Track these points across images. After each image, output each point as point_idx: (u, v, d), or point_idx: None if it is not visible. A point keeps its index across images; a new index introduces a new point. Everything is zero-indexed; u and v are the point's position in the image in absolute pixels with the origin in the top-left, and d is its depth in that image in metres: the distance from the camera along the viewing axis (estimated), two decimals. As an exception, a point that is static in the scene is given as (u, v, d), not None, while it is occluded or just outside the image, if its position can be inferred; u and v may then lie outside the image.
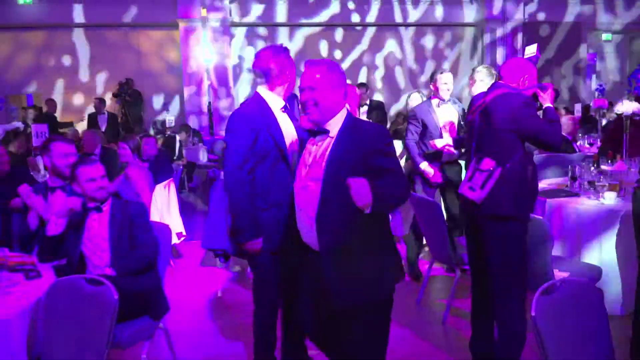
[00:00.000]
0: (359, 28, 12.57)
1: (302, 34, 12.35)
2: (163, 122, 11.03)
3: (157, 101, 12.00)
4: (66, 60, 11.54)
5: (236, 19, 11.83)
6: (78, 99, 11.65)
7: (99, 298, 2.05)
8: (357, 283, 2.16)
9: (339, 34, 12.53)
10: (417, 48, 12.88)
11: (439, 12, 12.55)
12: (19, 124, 8.64)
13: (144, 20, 11.48)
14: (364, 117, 6.54)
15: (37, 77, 11.41)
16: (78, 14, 11.18)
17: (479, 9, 12.65)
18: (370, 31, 12.66)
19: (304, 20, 12.14)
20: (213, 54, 11.47)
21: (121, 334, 2.55)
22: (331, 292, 2.16)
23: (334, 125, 2.25)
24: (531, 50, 3.53)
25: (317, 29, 12.37)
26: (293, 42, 12.09)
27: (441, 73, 4.24)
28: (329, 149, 2.21)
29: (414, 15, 12.50)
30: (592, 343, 1.78)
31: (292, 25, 12.25)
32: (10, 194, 3.81)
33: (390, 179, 2.15)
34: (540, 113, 2.90)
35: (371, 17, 12.35)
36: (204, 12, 11.30)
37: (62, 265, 2.86)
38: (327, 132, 2.24)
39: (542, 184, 4.15)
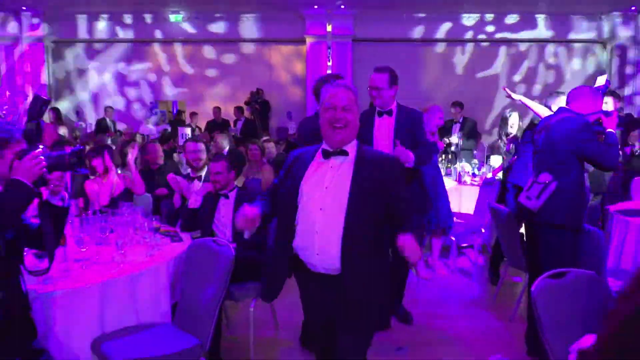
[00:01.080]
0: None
1: (411, 49, 12.83)
2: (286, 130, 12.14)
3: (283, 110, 13.11)
4: (209, 71, 13.05)
5: (359, 34, 12.60)
6: (215, 105, 13.15)
7: (221, 254, 2.84)
8: (377, 305, 2.29)
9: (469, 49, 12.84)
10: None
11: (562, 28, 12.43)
12: (166, 126, 10.09)
13: (274, 36, 12.70)
14: (455, 135, 7.02)
15: (183, 85, 13.04)
16: (217, 28, 12.63)
17: (607, 26, 12.34)
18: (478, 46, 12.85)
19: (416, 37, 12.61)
20: (333, 68, 12.35)
21: (235, 290, 3.36)
22: (353, 313, 2.23)
23: (351, 148, 2.29)
24: (601, 80, 3.84)
25: (430, 44, 12.80)
26: (409, 58, 12.61)
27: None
28: (350, 173, 2.23)
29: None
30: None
31: (405, 41, 12.74)
32: (162, 182, 4.89)
33: (412, 212, 2.23)
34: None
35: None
36: (329, 27, 12.24)
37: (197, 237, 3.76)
38: (346, 154, 2.26)
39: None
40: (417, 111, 3.86)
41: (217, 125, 10.80)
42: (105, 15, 12.16)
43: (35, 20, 11.96)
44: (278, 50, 13.01)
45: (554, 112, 3.42)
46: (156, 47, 12.90)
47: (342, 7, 11.54)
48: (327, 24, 12.21)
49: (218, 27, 12.58)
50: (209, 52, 12.91)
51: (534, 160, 3.37)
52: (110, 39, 12.56)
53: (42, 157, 1.97)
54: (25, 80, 12.19)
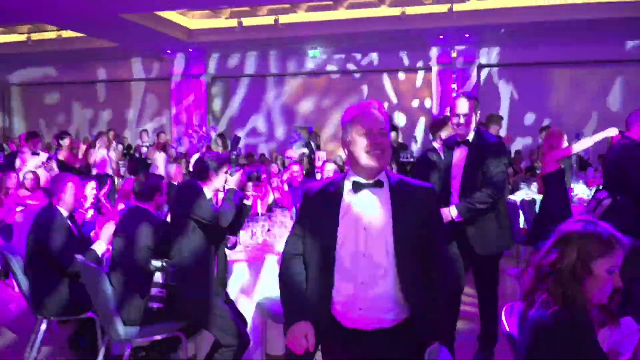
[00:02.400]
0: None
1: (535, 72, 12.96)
2: (412, 153, 12.94)
3: (409, 134, 13.89)
4: (344, 101, 14.33)
5: (483, 60, 13.10)
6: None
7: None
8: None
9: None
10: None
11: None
12: (305, 150, 11.43)
13: (401, 66, 13.65)
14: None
15: (320, 114, 14.44)
16: (355, 62, 13.87)
17: None
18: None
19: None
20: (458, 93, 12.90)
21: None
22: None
23: (384, 178, 2.06)
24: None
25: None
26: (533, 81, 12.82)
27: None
28: (389, 207, 2.01)
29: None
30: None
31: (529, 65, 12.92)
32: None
33: (446, 271, 2.17)
34: None
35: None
36: (454, 53, 12.88)
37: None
38: (382, 184, 2.04)
39: None
40: (494, 141, 3.62)
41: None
42: (253, 53, 13.97)
43: (198, 59, 14.09)
44: (405, 79, 13.91)
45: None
46: (296, 79, 14.49)
47: (467, 35, 12.16)
48: (452, 52, 12.86)
49: (350, 60, 13.83)
50: (341, 82, 14.20)
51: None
52: (259, 73, 14.40)
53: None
54: (189, 112, 14.35)
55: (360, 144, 2.02)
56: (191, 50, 13.43)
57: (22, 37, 12.98)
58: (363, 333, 2.03)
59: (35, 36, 12.93)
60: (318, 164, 8.08)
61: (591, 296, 1.81)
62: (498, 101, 12.99)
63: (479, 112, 3.60)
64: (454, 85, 12.78)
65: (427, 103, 13.58)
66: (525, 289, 1.92)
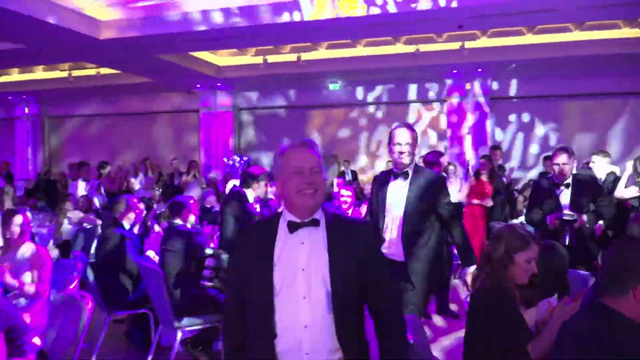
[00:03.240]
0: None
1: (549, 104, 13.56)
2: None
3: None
4: (361, 131, 15.10)
5: (496, 92, 13.77)
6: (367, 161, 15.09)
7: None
8: None
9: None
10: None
11: None
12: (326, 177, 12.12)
13: (420, 98, 14.42)
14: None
15: (338, 144, 15.22)
16: (370, 96, 14.69)
17: None
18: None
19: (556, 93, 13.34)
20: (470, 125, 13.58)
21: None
22: None
23: (319, 216, 2.03)
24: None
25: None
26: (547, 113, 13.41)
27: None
28: (325, 247, 1.99)
29: None
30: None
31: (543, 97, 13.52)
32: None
33: (398, 310, 2.12)
34: None
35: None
36: (468, 86, 13.58)
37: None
38: (317, 223, 2.00)
39: None
40: (437, 174, 3.93)
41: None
42: (277, 87, 14.89)
43: (226, 93, 15.07)
44: (423, 109, 14.64)
45: None
46: (317, 111, 15.37)
47: (479, 70, 12.88)
48: (467, 84, 13.51)
49: (369, 93, 14.67)
50: (359, 113, 14.99)
51: None
52: (283, 105, 15.30)
53: None
54: (217, 143, 15.27)
55: (292, 184, 1.96)
56: (219, 84, 14.38)
57: (64, 74, 14.07)
58: None
59: (76, 73, 14.01)
60: (334, 189, 8.73)
61: (514, 279, 2.57)
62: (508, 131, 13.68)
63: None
64: (470, 116, 13.47)
65: (442, 132, 14.23)
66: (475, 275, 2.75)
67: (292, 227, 1.98)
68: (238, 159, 13.55)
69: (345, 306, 1.94)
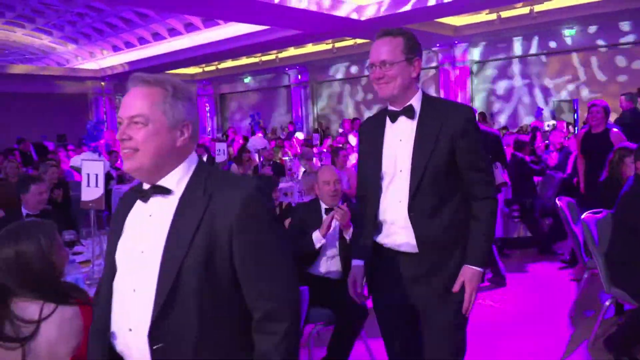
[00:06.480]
0: None
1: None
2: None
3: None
4: (620, 77, 15.02)
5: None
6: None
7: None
8: None
9: None
10: None
11: None
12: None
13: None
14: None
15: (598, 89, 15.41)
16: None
17: None
18: None
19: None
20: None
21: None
22: None
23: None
24: None
25: None
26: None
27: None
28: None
29: None
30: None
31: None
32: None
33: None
34: None
35: None
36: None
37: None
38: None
39: None
40: (462, 107, 2.29)
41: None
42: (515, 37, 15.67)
43: (463, 49, 16.50)
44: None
45: None
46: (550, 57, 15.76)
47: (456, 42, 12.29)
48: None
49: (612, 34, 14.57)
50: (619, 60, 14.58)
51: None
52: (522, 55, 16.08)
53: None
54: (455, 94, 16.85)
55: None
56: (456, 42, 15.91)
57: (328, 46, 17.17)
58: None
59: (338, 44, 16.98)
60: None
61: None
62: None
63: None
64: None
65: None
66: None
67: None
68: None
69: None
